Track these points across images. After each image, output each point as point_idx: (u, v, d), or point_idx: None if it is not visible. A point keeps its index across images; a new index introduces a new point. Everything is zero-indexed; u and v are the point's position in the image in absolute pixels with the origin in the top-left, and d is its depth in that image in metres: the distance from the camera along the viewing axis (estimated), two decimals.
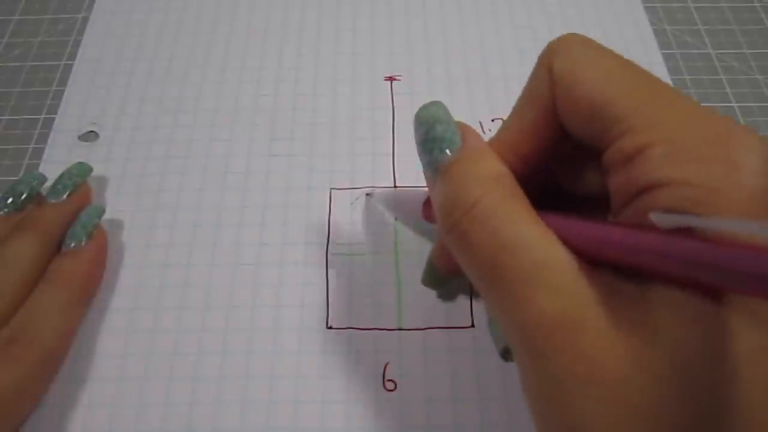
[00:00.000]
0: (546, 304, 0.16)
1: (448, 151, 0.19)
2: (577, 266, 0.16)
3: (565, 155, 0.20)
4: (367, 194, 0.29)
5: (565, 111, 0.18)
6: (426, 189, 0.24)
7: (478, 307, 0.26)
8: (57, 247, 0.26)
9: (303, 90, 0.33)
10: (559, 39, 0.19)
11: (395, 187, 0.30)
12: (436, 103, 0.21)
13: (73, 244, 0.26)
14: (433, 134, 0.20)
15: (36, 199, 0.27)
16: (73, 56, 0.35)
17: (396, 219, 0.29)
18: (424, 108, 0.21)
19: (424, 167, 0.20)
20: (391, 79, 0.34)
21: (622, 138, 0.17)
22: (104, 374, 0.25)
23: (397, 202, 0.28)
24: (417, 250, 0.28)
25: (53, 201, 0.27)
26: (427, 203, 0.25)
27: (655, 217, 0.15)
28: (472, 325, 0.26)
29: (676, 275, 0.15)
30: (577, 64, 0.18)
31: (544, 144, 0.19)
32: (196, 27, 0.36)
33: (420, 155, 0.20)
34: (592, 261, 0.16)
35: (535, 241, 0.17)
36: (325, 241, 0.28)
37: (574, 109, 0.18)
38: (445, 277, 0.24)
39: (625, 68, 0.18)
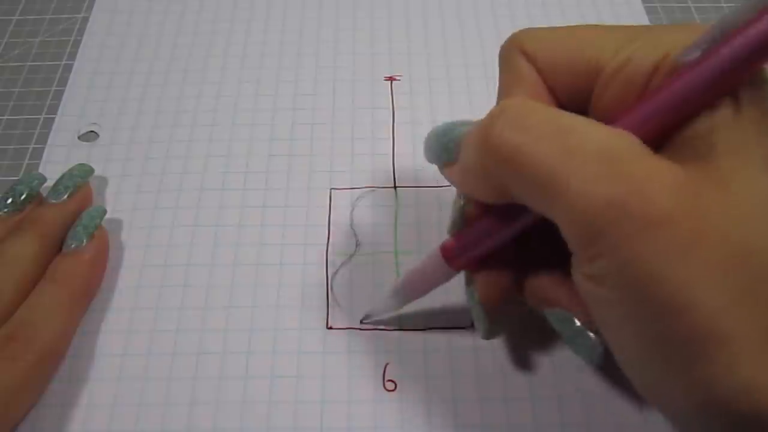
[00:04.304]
0: (643, 172, 0.16)
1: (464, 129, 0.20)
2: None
3: None
4: (362, 320, 0.26)
5: (553, 71, 0.19)
6: (428, 261, 0.23)
7: None
8: (57, 248, 0.26)
9: (303, 90, 0.33)
10: (515, 33, 0.20)
11: (395, 187, 0.30)
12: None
13: (74, 245, 0.26)
14: (451, 126, 0.20)
15: (36, 199, 0.27)
16: (73, 56, 0.35)
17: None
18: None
19: (444, 159, 0.20)
20: (391, 79, 0.34)
21: (614, 57, 0.18)
22: (104, 374, 0.25)
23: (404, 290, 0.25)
24: (417, 250, 0.28)
25: (54, 201, 0.27)
26: (446, 253, 0.22)
27: (680, 55, 0.17)
28: (472, 326, 0.26)
29: (733, 85, 0.16)
30: (548, 36, 0.20)
31: None
32: (196, 27, 0.36)
33: (436, 151, 0.20)
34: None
35: (596, 124, 0.17)
36: (325, 241, 0.28)
37: (562, 64, 0.19)
38: (499, 311, 0.22)
39: (590, 26, 0.20)
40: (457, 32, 0.36)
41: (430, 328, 0.26)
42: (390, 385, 0.24)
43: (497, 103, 0.20)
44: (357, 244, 0.28)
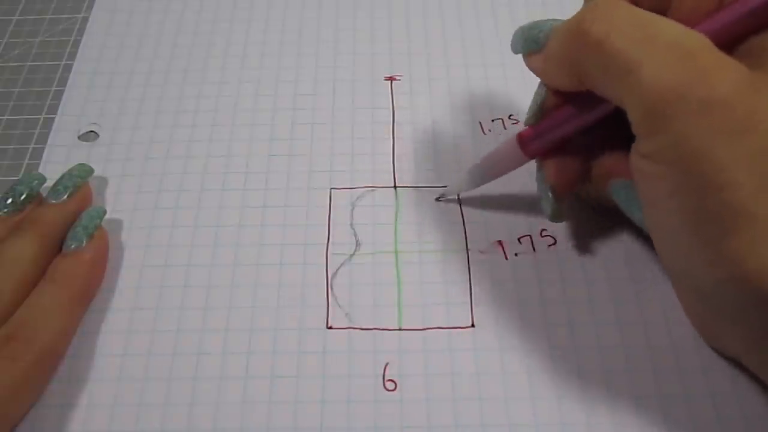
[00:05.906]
0: (710, 63, 0.18)
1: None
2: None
3: None
4: (438, 198, 0.29)
5: None
6: (503, 147, 0.26)
7: (479, 306, 0.26)
8: (57, 248, 0.26)
9: (303, 90, 0.33)
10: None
11: (395, 187, 0.30)
12: None
13: (73, 246, 0.26)
14: (540, 22, 0.23)
15: (36, 199, 0.27)
16: (73, 56, 0.35)
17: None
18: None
19: (531, 47, 0.23)
20: (391, 79, 0.34)
21: None
22: (104, 374, 0.25)
23: (476, 176, 0.28)
24: (417, 250, 0.28)
25: (54, 201, 0.27)
26: (522, 140, 0.25)
27: None
28: (472, 325, 0.26)
29: None
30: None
31: None
32: (196, 27, 0.36)
33: (525, 41, 0.23)
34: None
35: (673, 22, 0.19)
36: (325, 241, 0.28)
37: None
38: (566, 196, 0.25)
39: None
40: (457, 32, 0.36)
41: (430, 328, 0.26)
42: (390, 385, 0.24)
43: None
44: (357, 244, 0.28)
